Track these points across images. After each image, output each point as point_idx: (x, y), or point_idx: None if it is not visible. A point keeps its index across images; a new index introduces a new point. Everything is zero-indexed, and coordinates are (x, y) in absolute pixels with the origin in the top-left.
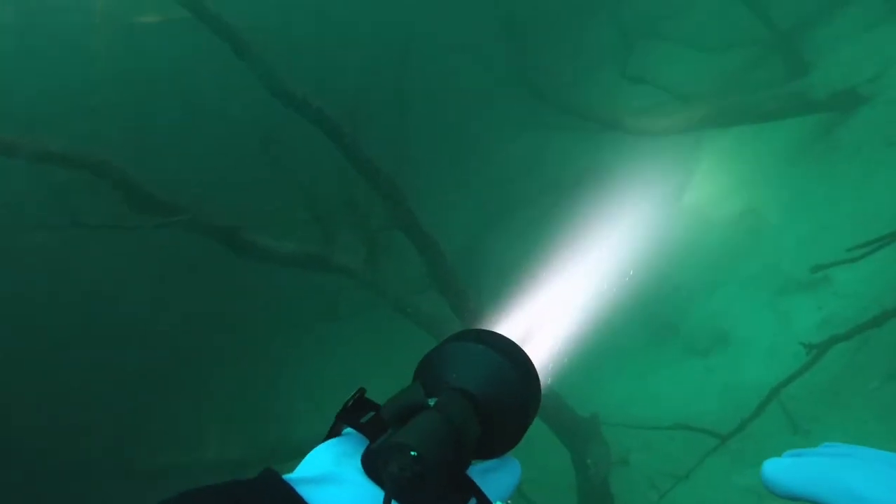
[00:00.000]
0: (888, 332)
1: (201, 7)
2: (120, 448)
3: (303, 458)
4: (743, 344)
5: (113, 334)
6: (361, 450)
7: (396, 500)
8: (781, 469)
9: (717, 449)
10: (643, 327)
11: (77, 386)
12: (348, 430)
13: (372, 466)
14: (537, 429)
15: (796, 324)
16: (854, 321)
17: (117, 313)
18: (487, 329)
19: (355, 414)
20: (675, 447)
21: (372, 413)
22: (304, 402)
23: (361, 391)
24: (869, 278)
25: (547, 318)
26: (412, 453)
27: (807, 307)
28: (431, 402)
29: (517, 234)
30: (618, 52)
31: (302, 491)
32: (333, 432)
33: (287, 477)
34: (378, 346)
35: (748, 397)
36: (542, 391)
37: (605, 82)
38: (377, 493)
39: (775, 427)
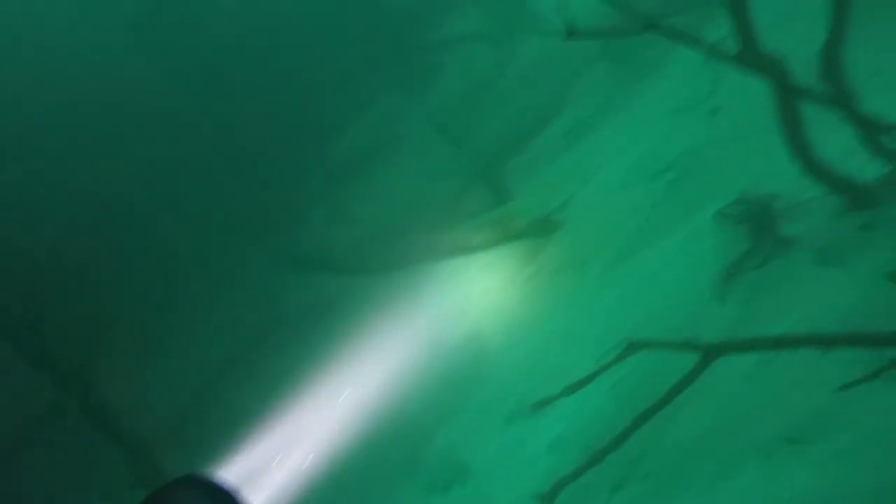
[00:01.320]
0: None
1: None
2: None
3: None
4: (482, 475)
5: None
6: None
7: None
8: None
9: None
10: (382, 466)
11: None
12: None
13: None
14: None
15: (528, 448)
16: (579, 442)
17: None
18: (207, 475)
19: None
20: None
21: None
22: None
23: None
24: (590, 398)
25: (281, 463)
26: None
27: (536, 430)
28: None
29: (247, 378)
30: (327, 191)
31: None
32: None
33: None
34: None
35: None
36: None
37: (316, 221)
38: None
39: None
